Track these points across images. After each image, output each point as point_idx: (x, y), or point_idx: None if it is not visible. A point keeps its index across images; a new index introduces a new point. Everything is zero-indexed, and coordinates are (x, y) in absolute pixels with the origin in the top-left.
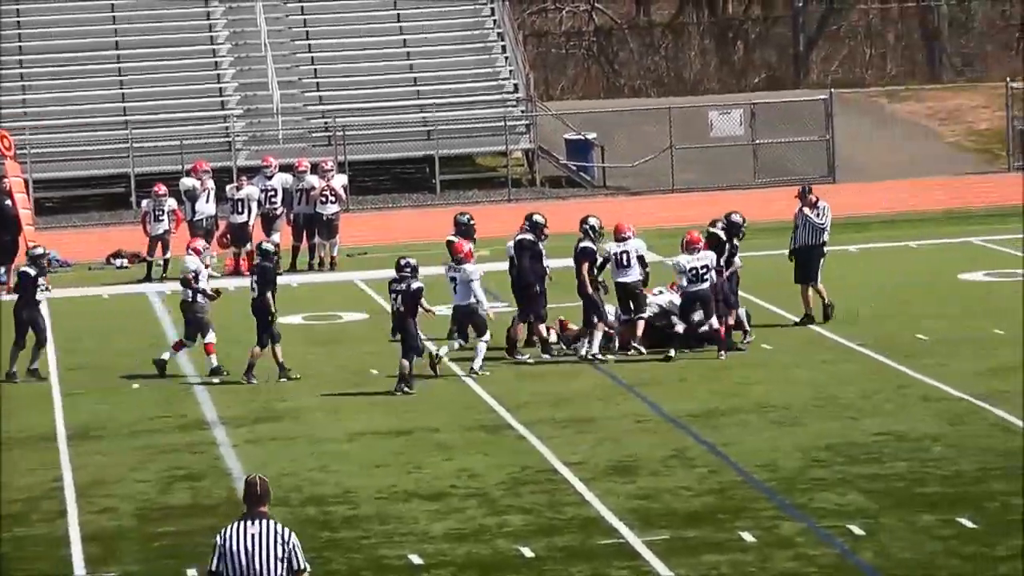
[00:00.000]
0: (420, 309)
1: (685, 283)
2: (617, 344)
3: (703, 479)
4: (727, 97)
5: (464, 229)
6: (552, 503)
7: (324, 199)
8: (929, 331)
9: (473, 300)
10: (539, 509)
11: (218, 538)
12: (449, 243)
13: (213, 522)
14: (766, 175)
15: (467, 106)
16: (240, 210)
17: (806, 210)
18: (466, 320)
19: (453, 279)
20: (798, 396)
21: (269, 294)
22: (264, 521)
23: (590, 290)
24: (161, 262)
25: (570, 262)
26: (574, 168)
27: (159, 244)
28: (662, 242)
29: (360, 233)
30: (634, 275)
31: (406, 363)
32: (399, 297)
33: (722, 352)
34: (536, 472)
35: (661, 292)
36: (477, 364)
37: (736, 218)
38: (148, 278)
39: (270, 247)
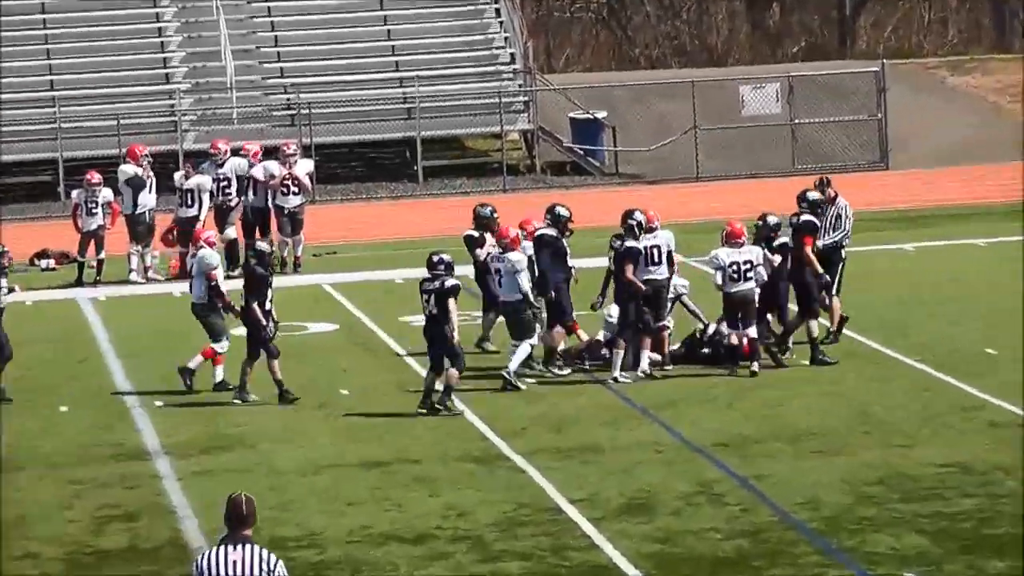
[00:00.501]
0: (449, 312)
1: (720, 281)
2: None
3: (733, 518)
4: (761, 69)
5: (485, 223)
6: (555, 547)
7: (286, 189)
8: (999, 344)
9: (521, 295)
10: (540, 554)
11: (194, 567)
12: (468, 238)
13: (153, 568)
14: (807, 160)
15: (455, 79)
16: (189, 202)
17: (823, 207)
18: (512, 318)
19: (497, 271)
20: (844, 420)
21: (256, 304)
22: (247, 546)
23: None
24: (94, 263)
25: (589, 262)
26: (580, 152)
27: (92, 242)
28: (683, 239)
29: (328, 229)
30: (663, 272)
31: (454, 373)
32: (431, 298)
33: (755, 364)
34: (536, 510)
35: None
36: (513, 365)
37: (814, 195)
38: (79, 282)
39: (265, 247)
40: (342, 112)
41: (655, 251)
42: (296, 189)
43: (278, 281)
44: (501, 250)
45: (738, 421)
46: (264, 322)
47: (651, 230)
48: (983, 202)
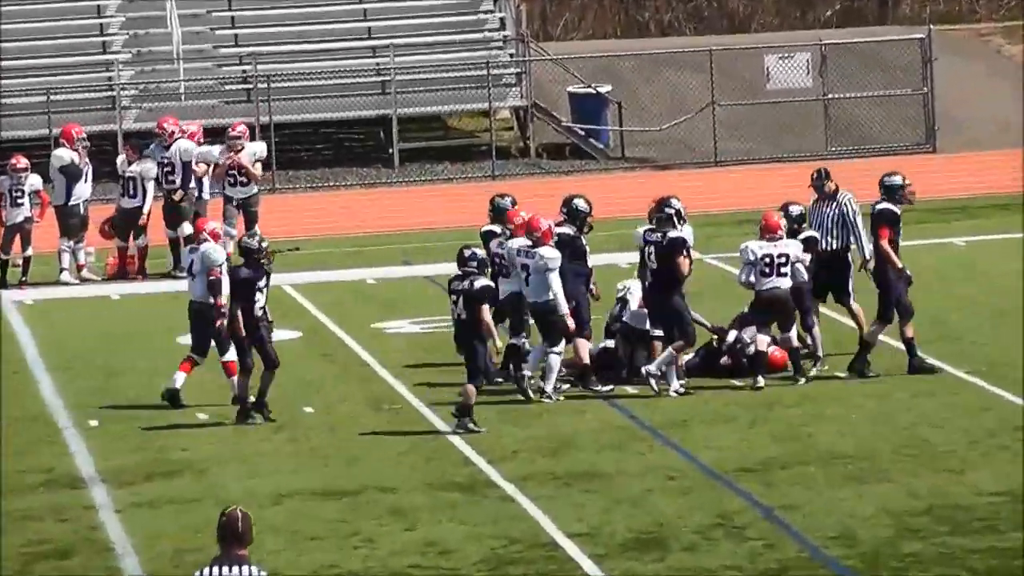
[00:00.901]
0: (480, 319)
1: (750, 278)
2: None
3: (756, 555)
4: (789, 36)
5: (505, 216)
6: None
7: (232, 179)
8: None
9: (551, 296)
10: None
11: None
12: (487, 234)
13: None
14: (842, 142)
15: (436, 49)
16: (132, 192)
17: (821, 204)
18: (544, 322)
19: (525, 267)
20: (884, 441)
21: (240, 311)
22: (244, 567)
23: (679, 302)
24: (20, 261)
25: (609, 257)
26: (581, 133)
27: (17, 236)
28: (700, 233)
29: (290, 221)
30: None
31: (471, 389)
32: (460, 299)
33: (799, 377)
34: (529, 546)
35: (626, 287)
36: (550, 386)
37: (893, 180)
38: (2, 282)
39: (251, 243)
40: (306, 86)
41: None
42: (244, 179)
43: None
44: (531, 243)
45: (762, 443)
46: (242, 334)
47: None
48: None
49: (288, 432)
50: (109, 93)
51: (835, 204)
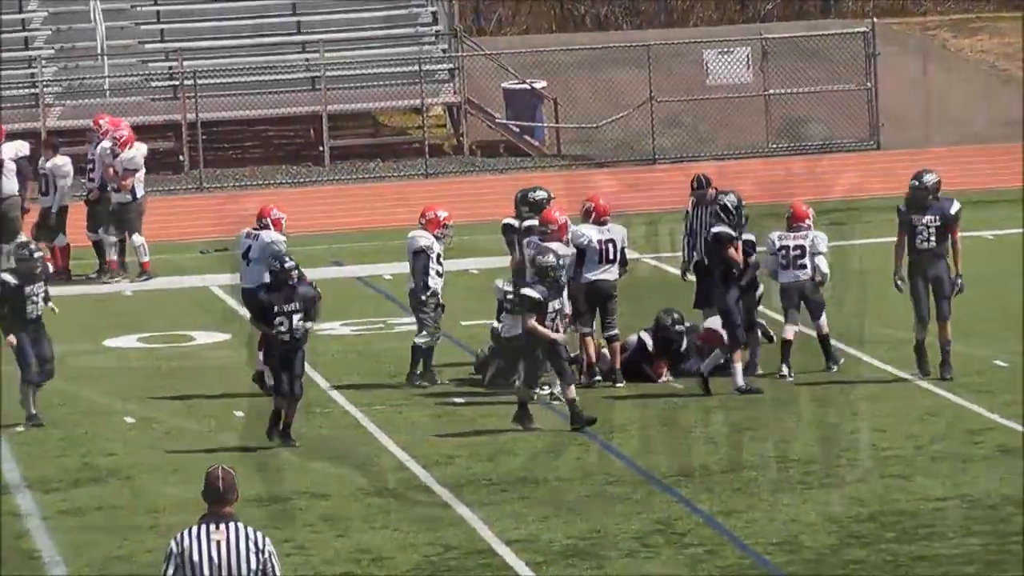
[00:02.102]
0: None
1: (774, 268)
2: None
3: (697, 562)
4: (728, 30)
5: (537, 209)
6: None
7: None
8: (1011, 355)
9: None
10: None
11: (173, 544)
12: (507, 227)
13: None
14: (783, 138)
15: (367, 44)
16: (45, 189)
17: (701, 210)
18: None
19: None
20: (829, 446)
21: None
22: (232, 524)
23: (732, 299)
24: None
25: None
26: (516, 129)
27: None
28: (638, 232)
29: (216, 221)
30: (614, 273)
31: (571, 391)
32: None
33: (831, 364)
34: (465, 554)
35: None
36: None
37: (930, 178)
38: None
39: (275, 266)
40: (234, 83)
41: (609, 246)
42: (114, 184)
43: (158, 283)
44: (540, 237)
45: (703, 448)
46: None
47: (605, 223)
48: (990, 188)
49: (218, 437)
50: (32, 90)
51: (714, 210)
